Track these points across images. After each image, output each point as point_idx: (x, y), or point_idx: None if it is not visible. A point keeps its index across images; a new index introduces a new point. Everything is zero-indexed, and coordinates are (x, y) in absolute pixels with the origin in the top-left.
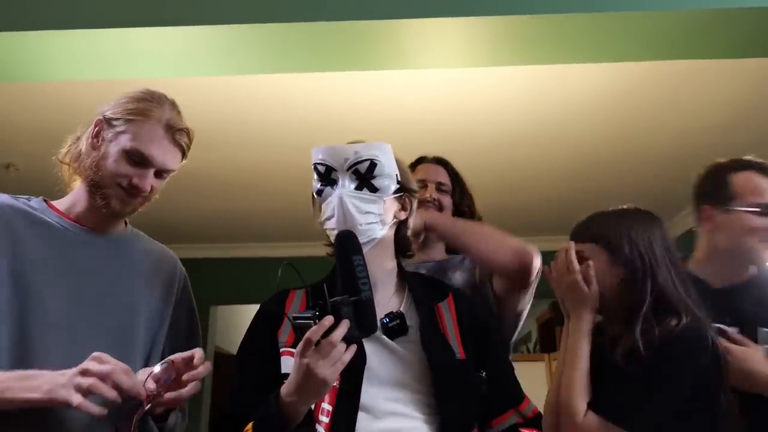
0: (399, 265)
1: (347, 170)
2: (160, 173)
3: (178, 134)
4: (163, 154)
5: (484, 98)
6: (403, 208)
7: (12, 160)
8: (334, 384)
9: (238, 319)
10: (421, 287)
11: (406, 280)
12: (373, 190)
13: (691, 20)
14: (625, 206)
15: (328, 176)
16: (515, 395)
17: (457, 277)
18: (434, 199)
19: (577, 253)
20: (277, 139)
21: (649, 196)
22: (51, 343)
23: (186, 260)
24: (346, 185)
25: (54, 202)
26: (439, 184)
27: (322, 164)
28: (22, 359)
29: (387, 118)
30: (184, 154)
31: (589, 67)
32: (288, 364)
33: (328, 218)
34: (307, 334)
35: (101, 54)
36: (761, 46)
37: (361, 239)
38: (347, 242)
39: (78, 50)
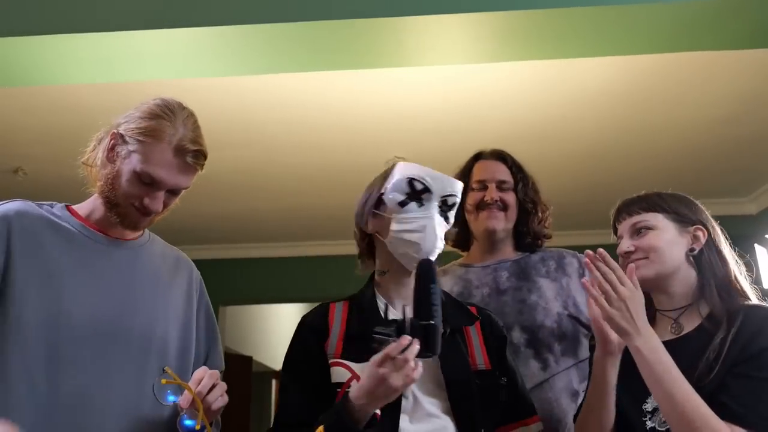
0: None
1: (440, 198)
2: (172, 192)
3: (188, 156)
4: (173, 176)
5: (489, 94)
6: None
7: (20, 164)
8: None
9: (247, 319)
10: (449, 307)
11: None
12: (447, 221)
13: (697, 12)
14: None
15: (418, 195)
16: (530, 408)
17: (546, 286)
18: (496, 200)
19: (640, 222)
20: (282, 138)
21: (657, 190)
22: (78, 356)
23: (193, 262)
24: (433, 210)
25: (75, 207)
26: (500, 183)
27: (421, 183)
28: (52, 374)
29: (391, 116)
30: (199, 171)
31: (594, 61)
32: (339, 373)
33: (411, 231)
34: (388, 350)
35: (106, 57)
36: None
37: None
38: (428, 270)
39: (83, 53)
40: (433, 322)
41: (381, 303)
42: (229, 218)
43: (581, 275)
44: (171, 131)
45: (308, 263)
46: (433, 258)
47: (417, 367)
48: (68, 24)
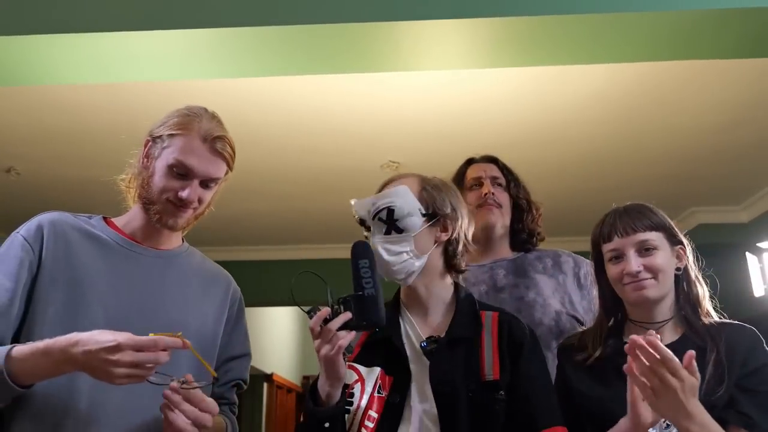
0: (456, 284)
1: (373, 219)
2: (205, 184)
3: (217, 143)
4: (203, 163)
5: (484, 99)
6: (444, 230)
7: (13, 163)
8: (382, 395)
9: None
10: (461, 316)
11: (458, 303)
12: (399, 231)
13: (692, 21)
14: (638, 202)
15: (365, 224)
16: (538, 420)
17: (543, 283)
18: (492, 192)
19: (648, 242)
20: (277, 142)
21: (650, 197)
22: None
23: None
24: (376, 232)
25: (113, 219)
26: (494, 178)
27: (357, 216)
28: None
29: (387, 120)
30: (228, 163)
31: (589, 68)
32: (349, 375)
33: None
34: (311, 324)
35: (102, 57)
36: (762, 46)
37: (400, 276)
38: (356, 249)
39: (79, 54)
40: (365, 294)
41: (405, 316)
42: (223, 220)
43: (576, 274)
44: (198, 124)
45: (302, 267)
46: (414, 268)
47: (346, 336)
48: (63, 24)
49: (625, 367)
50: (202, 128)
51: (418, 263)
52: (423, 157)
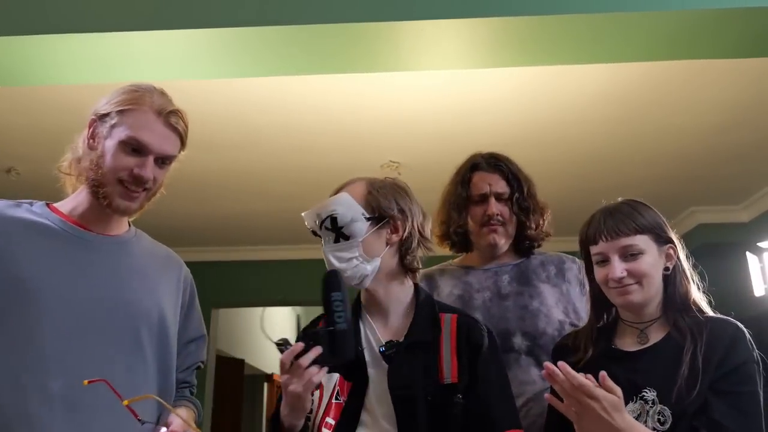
0: (416, 286)
1: (321, 229)
2: (160, 161)
3: (172, 117)
4: (159, 139)
5: (484, 99)
6: (395, 230)
7: (13, 164)
8: (340, 401)
9: (239, 322)
10: (420, 321)
11: (417, 306)
12: (346, 238)
13: (691, 20)
14: (630, 199)
15: (316, 234)
16: (497, 423)
17: (547, 292)
18: (496, 214)
19: (632, 246)
20: (277, 141)
21: (650, 196)
22: (67, 352)
23: (186, 264)
24: (326, 241)
25: (56, 204)
26: (498, 195)
27: (309, 228)
28: (35, 369)
29: (386, 120)
30: (182, 140)
31: (589, 67)
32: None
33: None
34: (282, 358)
35: (102, 57)
36: (762, 46)
37: (354, 281)
38: (328, 281)
39: (79, 54)
40: (337, 328)
41: (366, 321)
42: (222, 220)
43: (580, 281)
44: (149, 99)
45: (301, 266)
46: (367, 272)
47: (319, 372)
48: (63, 24)
49: (546, 395)
50: (154, 103)
51: (369, 267)
52: (423, 156)
